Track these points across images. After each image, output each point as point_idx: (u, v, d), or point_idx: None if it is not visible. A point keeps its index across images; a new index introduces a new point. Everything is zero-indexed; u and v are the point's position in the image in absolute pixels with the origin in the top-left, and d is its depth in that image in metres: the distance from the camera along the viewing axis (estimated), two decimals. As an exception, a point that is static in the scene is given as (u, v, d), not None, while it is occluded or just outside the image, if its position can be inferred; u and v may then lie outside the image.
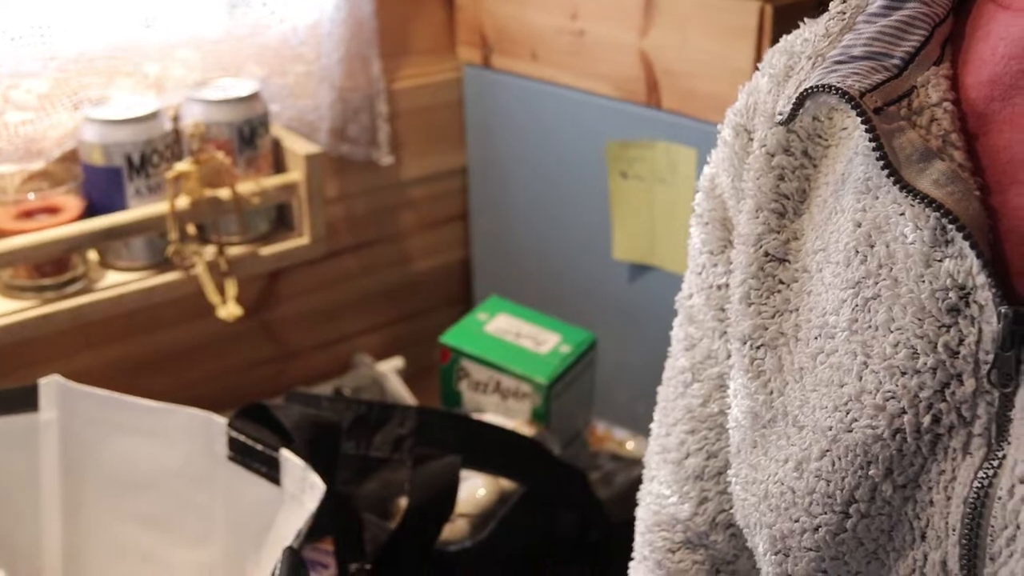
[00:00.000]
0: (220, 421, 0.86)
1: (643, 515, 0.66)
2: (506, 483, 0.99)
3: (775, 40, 0.92)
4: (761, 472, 0.55)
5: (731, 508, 0.61)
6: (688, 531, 0.64)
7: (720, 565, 0.64)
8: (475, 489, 0.98)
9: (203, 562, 0.90)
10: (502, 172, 1.35)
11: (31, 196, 0.99)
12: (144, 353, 1.17)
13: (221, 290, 1.03)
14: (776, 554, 0.54)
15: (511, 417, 1.06)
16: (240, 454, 0.85)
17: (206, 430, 0.87)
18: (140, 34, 1.02)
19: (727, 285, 0.59)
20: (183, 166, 0.98)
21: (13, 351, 1.03)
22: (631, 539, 0.69)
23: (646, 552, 0.66)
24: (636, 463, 1.09)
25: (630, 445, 1.15)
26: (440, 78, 1.34)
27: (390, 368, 1.21)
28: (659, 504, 0.64)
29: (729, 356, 0.59)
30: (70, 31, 0.98)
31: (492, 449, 0.97)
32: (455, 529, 0.97)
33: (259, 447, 0.84)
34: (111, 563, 0.91)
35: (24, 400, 0.88)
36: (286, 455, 0.82)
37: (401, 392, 1.17)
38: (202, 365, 1.22)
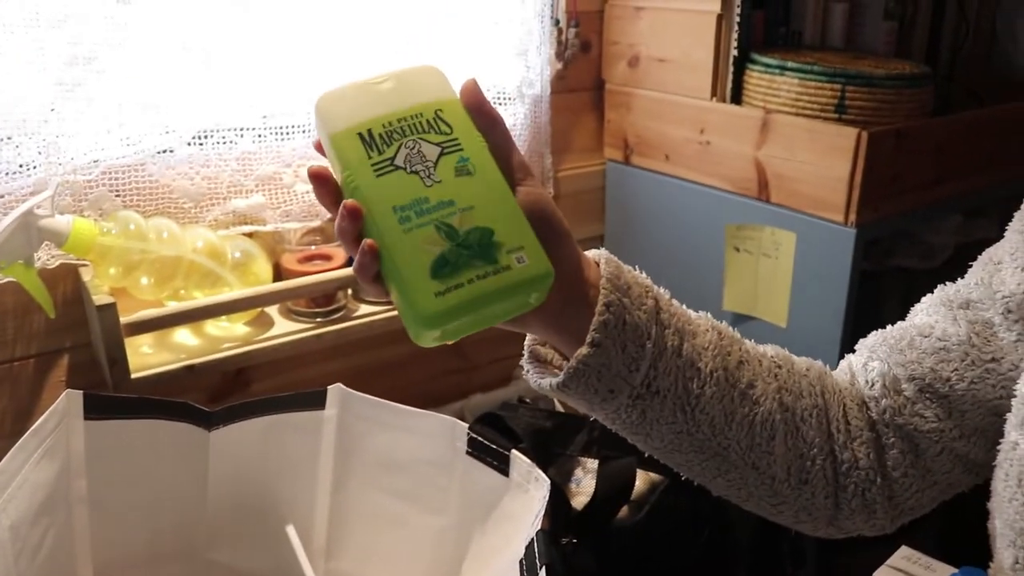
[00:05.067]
0: (462, 424, 0.94)
1: None
2: (655, 475, 1.10)
3: (868, 158, 1.06)
4: None
5: None
6: None
7: None
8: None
9: (440, 527, 0.97)
10: (633, 241, 1.53)
11: (312, 247, 1.18)
12: (371, 362, 1.36)
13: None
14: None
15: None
16: (477, 450, 0.93)
17: (451, 430, 0.94)
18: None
19: None
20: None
21: (288, 359, 1.21)
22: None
23: None
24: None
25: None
26: (591, 170, 1.53)
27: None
28: None
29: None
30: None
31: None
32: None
33: (494, 447, 0.91)
34: (367, 524, 0.99)
35: (315, 400, 0.98)
36: (516, 455, 0.89)
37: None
38: (409, 373, 1.41)
